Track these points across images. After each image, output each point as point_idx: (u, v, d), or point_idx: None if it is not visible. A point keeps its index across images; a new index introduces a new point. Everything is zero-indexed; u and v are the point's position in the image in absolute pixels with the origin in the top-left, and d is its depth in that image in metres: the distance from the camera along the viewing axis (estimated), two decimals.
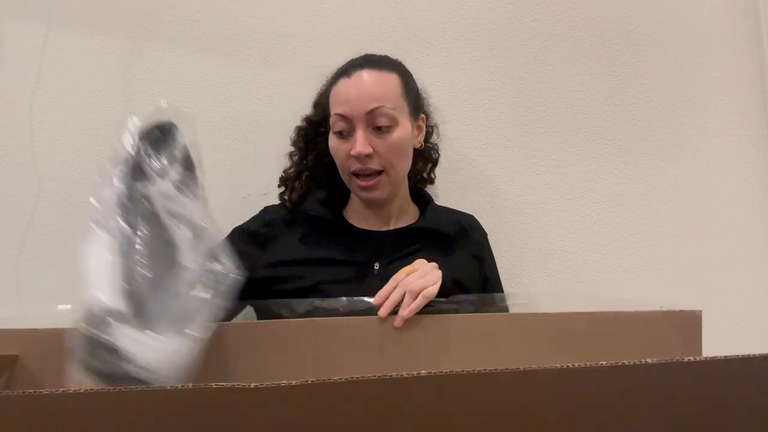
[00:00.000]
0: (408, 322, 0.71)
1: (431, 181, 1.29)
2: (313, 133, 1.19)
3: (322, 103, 1.17)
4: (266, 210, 1.19)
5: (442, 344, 0.59)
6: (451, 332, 0.60)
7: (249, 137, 1.36)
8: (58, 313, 1.25)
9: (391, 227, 1.14)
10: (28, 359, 0.59)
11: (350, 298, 0.83)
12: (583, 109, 1.41)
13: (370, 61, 1.11)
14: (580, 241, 1.38)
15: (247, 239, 1.12)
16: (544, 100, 1.41)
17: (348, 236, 1.10)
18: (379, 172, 1.07)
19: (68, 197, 1.33)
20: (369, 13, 1.41)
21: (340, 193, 1.18)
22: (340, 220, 1.14)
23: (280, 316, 0.84)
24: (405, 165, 1.12)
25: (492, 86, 1.41)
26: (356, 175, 1.07)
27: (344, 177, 1.11)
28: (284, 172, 1.22)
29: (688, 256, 1.39)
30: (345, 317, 0.53)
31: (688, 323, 0.63)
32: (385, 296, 0.81)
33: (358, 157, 1.05)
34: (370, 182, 1.07)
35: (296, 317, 0.78)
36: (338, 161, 1.10)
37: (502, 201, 1.38)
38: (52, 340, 0.59)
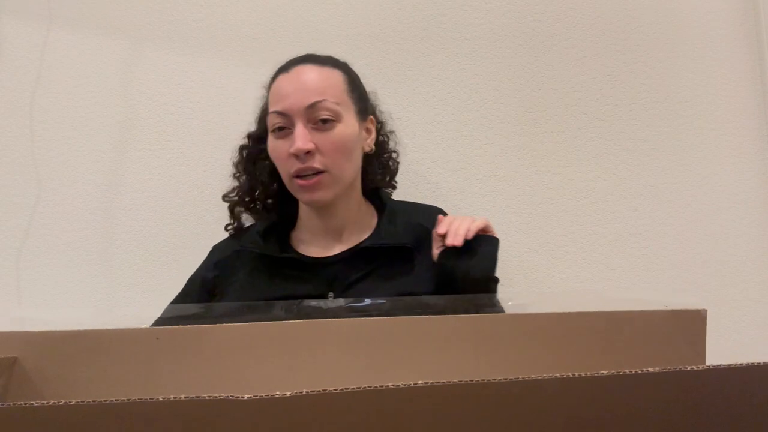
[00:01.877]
0: (402, 323, 0.61)
1: (393, 188, 1.20)
2: (257, 151, 1.10)
3: (264, 116, 1.07)
4: (214, 250, 1.10)
5: (439, 345, 0.58)
6: (448, 333, 0.60)
7: None
8: (59, 314, 1.26)
9: (343, 246, 1.04)
10: (27, 362, 0.58)
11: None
12: (583, 109, 1.41)
13: (311, 57, 1.03)
14: (580, 241, 1.38)
15: (199, 288, 1.05)
16: (544, 100, 1.41)
17: (297, 268, 1.01)
18: (321, 172, 0.98)
19: (68, 197, 1.33)
20: (369, 13, 1.41)
21: (287, 217, 1.09)
22: (286, 251, 1.04)
23: None
24: (350, 167, 1.02)
25: (492, 86, 1.40)
26: (298, 176, 0.98)
27: (286, 181, 1.02)
28: (226, 196, 1.13)
29: (688, 257, 1.39)
30: (337, 319, 0.53)
31: (692, 323, 0.62)
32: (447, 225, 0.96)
33: (298, 155, 0.96)
34: (311, 181, 0.97)
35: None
36: (278, 163, 1.01)
37: (502, 201, 1.38)
38: (52, 343, 0.59)
